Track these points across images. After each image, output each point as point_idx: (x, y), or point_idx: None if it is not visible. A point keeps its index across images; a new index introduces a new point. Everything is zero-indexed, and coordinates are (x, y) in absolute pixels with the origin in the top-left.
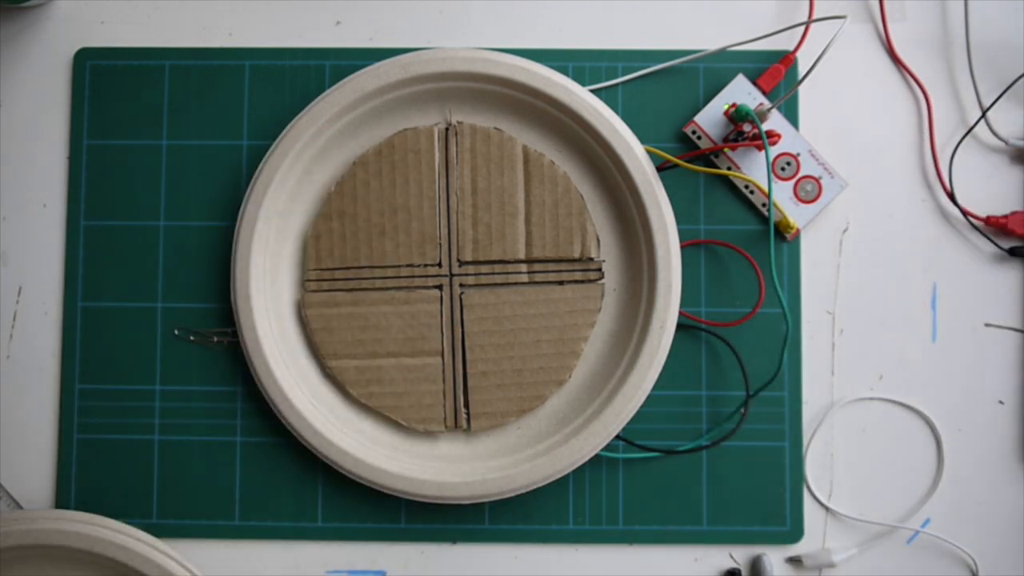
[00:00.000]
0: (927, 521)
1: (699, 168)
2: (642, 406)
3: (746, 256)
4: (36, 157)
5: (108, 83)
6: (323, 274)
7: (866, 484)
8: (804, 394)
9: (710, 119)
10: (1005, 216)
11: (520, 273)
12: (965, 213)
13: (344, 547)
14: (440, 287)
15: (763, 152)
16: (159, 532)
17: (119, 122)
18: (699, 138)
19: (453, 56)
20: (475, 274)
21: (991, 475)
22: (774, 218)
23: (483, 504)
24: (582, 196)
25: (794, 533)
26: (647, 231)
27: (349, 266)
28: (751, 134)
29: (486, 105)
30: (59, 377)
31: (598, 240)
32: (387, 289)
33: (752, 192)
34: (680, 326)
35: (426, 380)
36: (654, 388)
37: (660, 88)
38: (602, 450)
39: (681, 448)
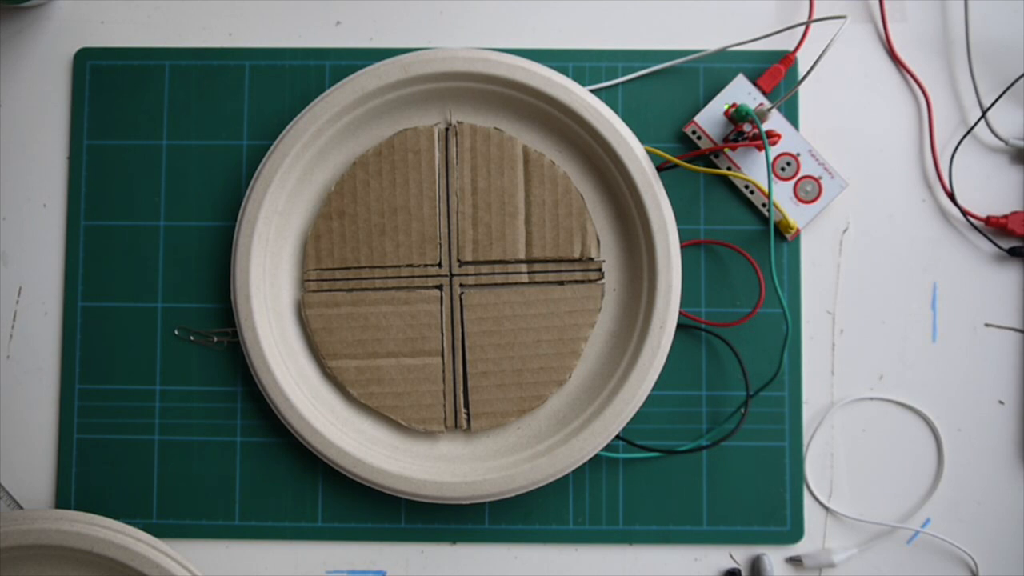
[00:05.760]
0: (927, 521)
1: (699, 168)
2: (642, 406)
3: (746, 256)
4: (36, 157)
5: (108, 83)
6: (323, 274)
7: (866, 484)
8: (804, 394)
9: (710, 119)
10: (1005, 216)
11: (520, 273)
12: (965, 213)
13: (344, 547)
14: (440, 287)
15: (763, 152)
16: (159, 532)
17: (119, 122)
18: (699, 138)
19: (453, 56)
20: (475, 274)
21: (991, 475)
22: (774, 218)
23: (483, 504)
24: (582, 196)
25: (794, 533)
26: (647, 231)
27: (349, 266)
28: (751, 134)
29: (486, 105)
30: (59, 377)
31: (598, 240)
32: (387, 289)
33: (752, 192)
34: (680, 326)
35: (426, 380)
36: (654, 388)
37: (660, 88)
38: (602, 450)
39: (681, 448)
